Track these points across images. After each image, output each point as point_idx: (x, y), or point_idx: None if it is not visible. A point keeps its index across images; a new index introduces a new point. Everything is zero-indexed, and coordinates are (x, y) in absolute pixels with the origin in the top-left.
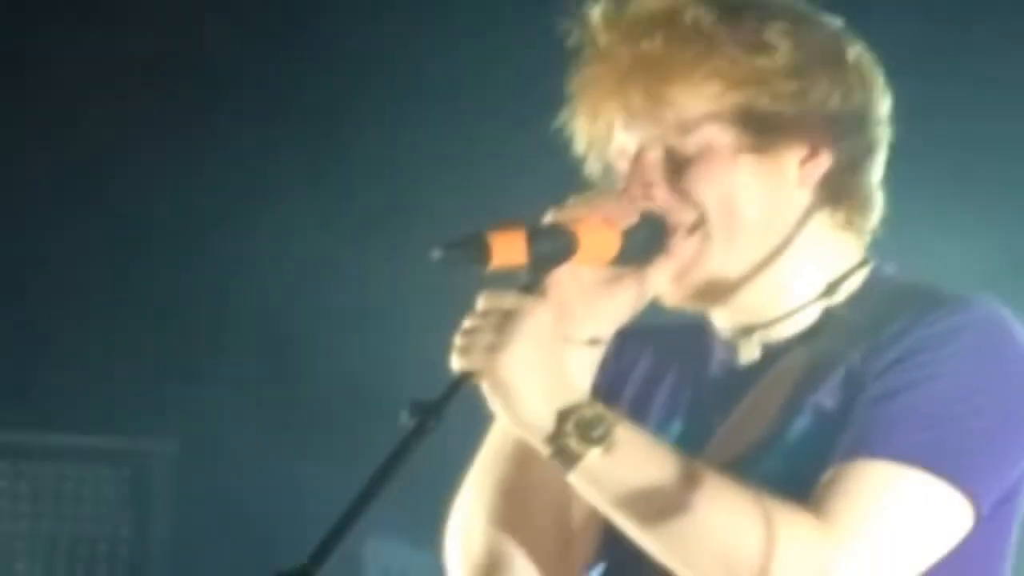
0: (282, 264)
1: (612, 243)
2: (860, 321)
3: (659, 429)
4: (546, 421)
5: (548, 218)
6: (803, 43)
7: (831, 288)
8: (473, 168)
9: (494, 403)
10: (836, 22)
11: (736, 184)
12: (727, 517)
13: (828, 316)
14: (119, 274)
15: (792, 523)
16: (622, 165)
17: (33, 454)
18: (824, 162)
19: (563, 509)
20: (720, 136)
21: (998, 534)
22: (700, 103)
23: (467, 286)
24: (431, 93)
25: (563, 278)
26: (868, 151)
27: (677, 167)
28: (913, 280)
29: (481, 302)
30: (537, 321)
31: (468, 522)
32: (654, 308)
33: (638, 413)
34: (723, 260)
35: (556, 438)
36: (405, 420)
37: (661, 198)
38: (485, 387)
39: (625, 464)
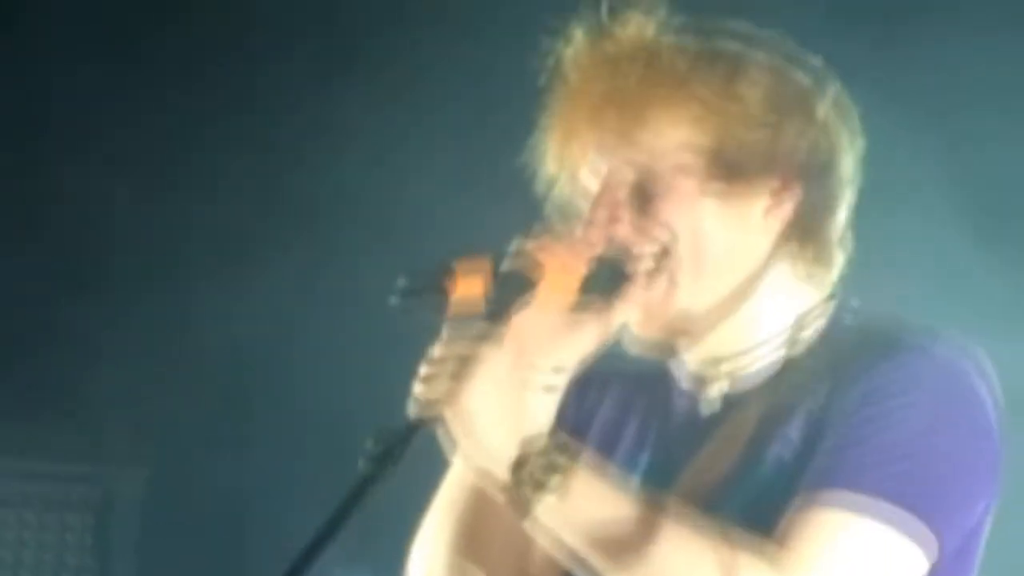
0: (251, 297)
1: (572, 283)
2: (820, 366)
3: (623, 474)
4: (503, 467)
5: (508, 257)
6: (774, 90)
7: (795, 326)
8: (435, 201)
9: (456, 434)
10: (815, 63)
11: (701, 223)
12: (685, 558)
13: (790, 362)
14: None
15: (751, 563)
16: (585, 203)
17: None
18: (788, 208)
19: (522, 550)
20: (687, 176)
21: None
22: (670, 142)
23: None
24: (388, 130)
25: (522, 319)
26: (832, 198)
27: (644, 204)
28: (874, 320)
29: (439, 344)
30: (495, 364)
31: (429, 561)
32: (612, 356)
33: (601, 457)
34: (689, 296)
35: (512, 485)
36: (370, 446)
37: (625, 233)
38: (448, 417)
39: (581, 510)
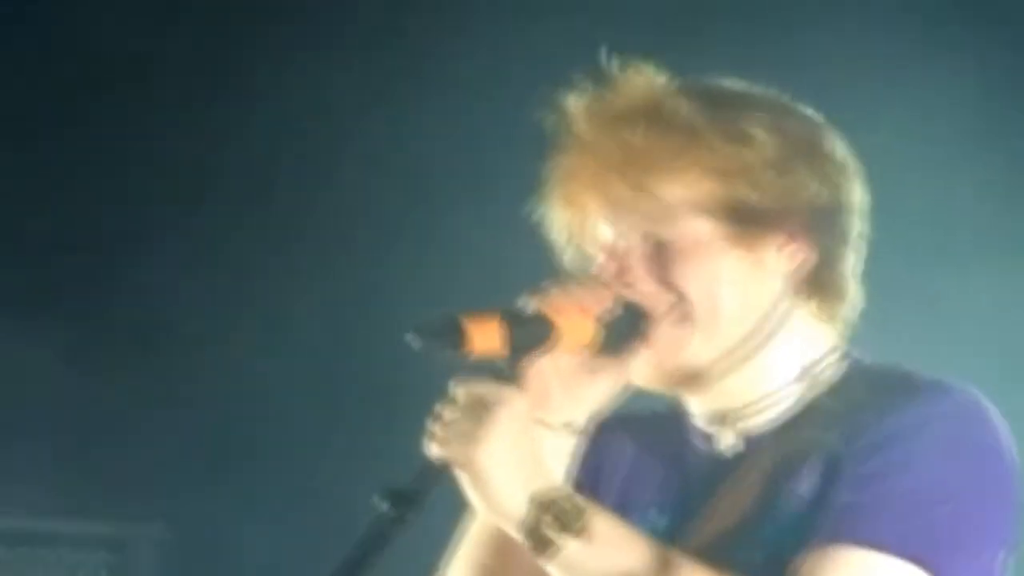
0: (275, 349)
1: (589, 331)
2: (836, 409)
3: (641, 520)
4: (522, 510)
5: (525, 305)
6: (784, 135)
7: (805, 374)
8: (446, 254)
9: (472, 493)
10: (816, 116)
11: (717, 273)
12: None
13: (805, 404)
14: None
15: None
16: (598, 253)
17: (20, 540)
18: (802, 252)
19: None
20: (700, 226)
21: None
22: (681, 193)
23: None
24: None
25: (540, 365)
26: (843, 242)
27: (657, 256)
28: (889, 367)
29: (456, 390)
30: (513, 410)
31: None
32: (629, 395)
33: (620, 504)
34: (702, 348)
35: (534, 528)
36: (379, 505)
37: (642, 287)
38: (462, 477)
39: (601, 553)
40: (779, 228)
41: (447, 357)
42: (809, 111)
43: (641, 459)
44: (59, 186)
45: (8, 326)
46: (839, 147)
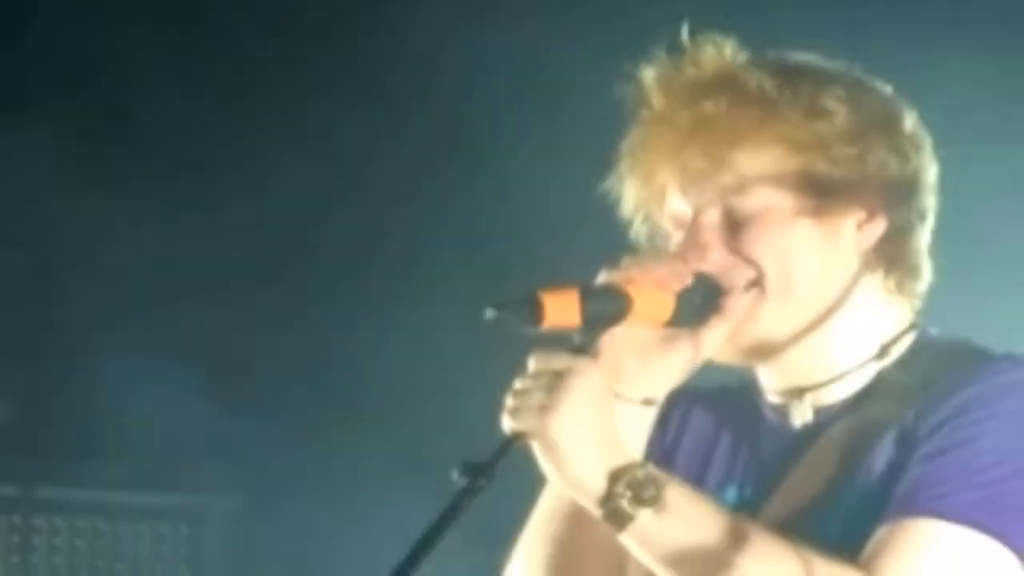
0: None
1: (666, 304)
2: (910, 382)
3: (717, 494)
4: (598, 482)
5: (601, 279)
6: (860, 108)
7: (882, 350)
8: (526, 230)
9: (545, 464)
10: (888, 88)
11: (794, 246)
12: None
13: (878, 378)
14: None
15: None
16: (673, 227)
17: (92, 512)
18: (879, 227)
19: (616, 568)
20: (779, 199)
21: None
22: (760, 166)
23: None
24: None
25: (616, 339)
26: (920, 217)
27: (734, 229)
28: (960, 340)
29: (533, 363)
30: (589, 382)
31: None
32: (704, 367)
33: (696, 478)
34: (777, 321)
35: (608, 499)
36: (456, 479)
37: (718, 260)
38: (536, 448)
39: (676, 525)
40: (856, 202)
41: (525, 331)
42: (883, 85)
43: (716, 434)
44: None
45: None
46: (913, 121)
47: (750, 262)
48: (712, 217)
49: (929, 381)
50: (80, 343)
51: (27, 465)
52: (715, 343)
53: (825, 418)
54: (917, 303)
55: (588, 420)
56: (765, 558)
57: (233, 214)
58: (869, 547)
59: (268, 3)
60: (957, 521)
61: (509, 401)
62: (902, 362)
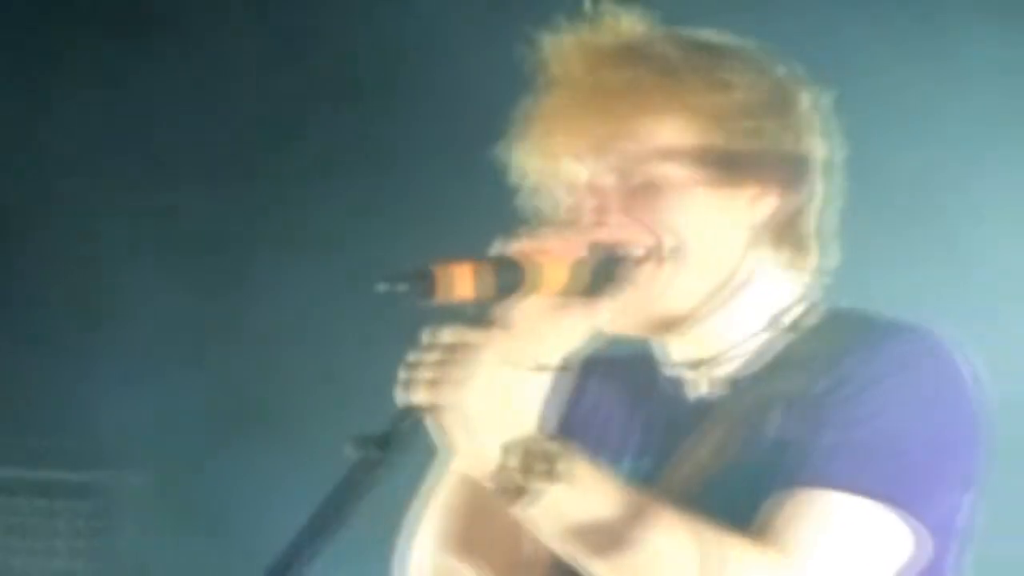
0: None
1: (561, 274)
2: (805, 355)
3: (614, 465)
4: (493, 454)
5: (497, 251)
6: (759, 84)
7: (772, 322)
8: (419, 200)
9: (440, 436)
10: (793, 67)
11: (690, 215)
12: (676, 549)
13: (774, 353)
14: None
15: (741, 554)
16: (567, 194)
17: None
18: (773, 201)
19: (513, 543)
20: (676, 168)
21: (943, 564)
22: (659, 135)
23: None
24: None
25: (512, 311)
26: (814, 190)
27: (631, 197)
28: (858, 314)
29: (427, 336)
30: (485, 354)
31: (418, 552)
32: (602, 341)
33: (594, 448)
34: (672, 291)
35: (502, 472)
36: (350, 453)
37: (614, 227)
38: (432, 421)
39: (574, 499)
40: (752, 176)
41: (418, 305)
42: (787, 65)
43: (614, 404)
44: None
45: None
46: (814, 101)
47: (646, 229)
48: (609, 184)
49: (823, 355)
50: None
51: None
52: (609, 312)
53: (721, 390)
54: (824, 278)
55: (485, 392)
56: (658, 529)
57: None
58: (761, 517)
59: None
60: (853, 491)
61: (403, 374)
62: (798, 335)
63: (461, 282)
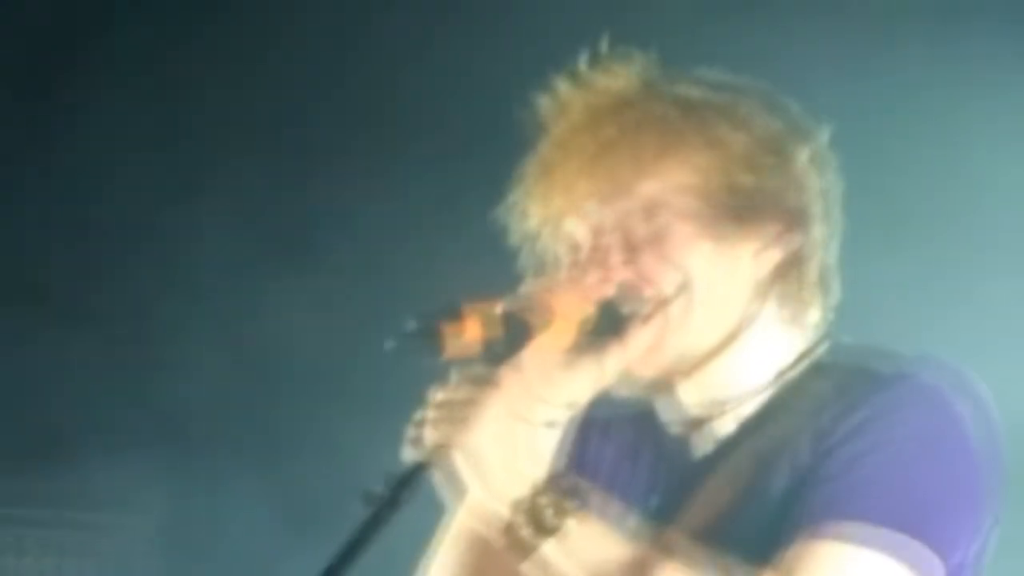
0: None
1: (568, 330)
2: (805, 406)
3: (622, 517)
4: (506, 505)
5: (504, 305)
6: (761, 138)
7: (778, 378)
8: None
9: (449, 483)
10: (795, 109)
11: (693, 270)
12: None
13: (777, 400)
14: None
15: None
16: (568, 252)
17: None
18: (776, 254)
19: None
20: (679, 223)
21: None
22: (661, 190)
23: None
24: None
25: (524, 359)
26: (817, 245)
27: (635, 252)
28: (861, 355)
29: (435, 392)
30: (498, 403)
31: None
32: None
33: (603, 501)
34: (678, 345)
35: (509, 528)
36: (371, 495)
37: (619, 283)
38: (438, 475)
39: (580, 550)
40: (755, 229)
41: (433, 346)
42: (784, 108)
43: (618, 461)
44: None
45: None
46: (815, 150)
47: (652, 285)
48: (613, 240)
49: (823, 404)
50: None
51: None
52: (616, 369)
53: (726, 443)
54: (818, 325)
55: (503, 429)
56: None
57: None
58: (785, 556)
59: None
60: (876, 527)
61: (411, 430)
62: (799, 385)
63: (467, 340)
